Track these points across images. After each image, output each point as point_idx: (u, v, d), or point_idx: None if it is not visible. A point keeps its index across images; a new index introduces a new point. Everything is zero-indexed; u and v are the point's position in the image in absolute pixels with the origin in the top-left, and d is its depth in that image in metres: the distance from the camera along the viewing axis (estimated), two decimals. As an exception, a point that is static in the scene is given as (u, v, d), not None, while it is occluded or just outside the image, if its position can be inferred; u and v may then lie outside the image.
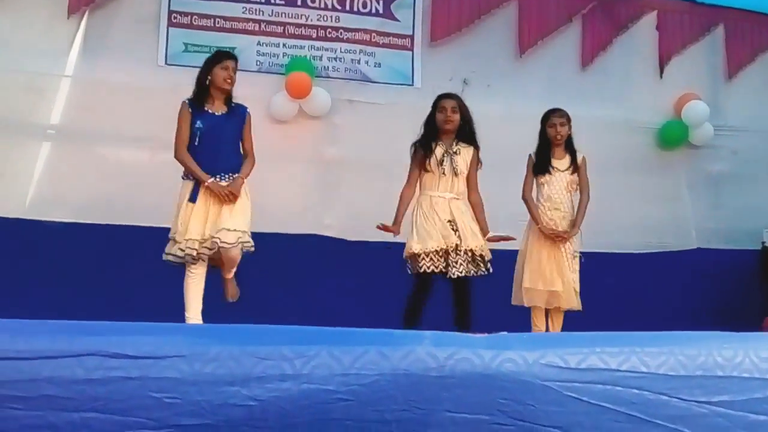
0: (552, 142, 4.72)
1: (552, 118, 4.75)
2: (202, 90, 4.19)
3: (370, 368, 1.88)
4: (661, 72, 6.83)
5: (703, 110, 6.61)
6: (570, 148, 4.78)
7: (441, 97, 4.50)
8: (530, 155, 4.81)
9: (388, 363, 1.90)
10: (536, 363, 2.04)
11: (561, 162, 4.72)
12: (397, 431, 1.86)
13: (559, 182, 4.68)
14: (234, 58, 4.28)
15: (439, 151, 4.34)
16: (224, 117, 4.20)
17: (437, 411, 1.92)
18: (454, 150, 4.34)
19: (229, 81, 4.17)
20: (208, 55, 5.97)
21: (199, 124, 4.12)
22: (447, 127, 4.37)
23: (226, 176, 4.13)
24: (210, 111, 4.17)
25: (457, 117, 4.37)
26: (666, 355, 2.18)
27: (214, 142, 4.13)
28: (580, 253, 4.82)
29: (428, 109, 6.23)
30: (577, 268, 4.74)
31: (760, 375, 2.24)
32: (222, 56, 4.27)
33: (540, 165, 4.70)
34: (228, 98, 4.24)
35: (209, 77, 4.18)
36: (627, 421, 2.11)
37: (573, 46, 6.70)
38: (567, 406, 2.04)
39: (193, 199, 4.09)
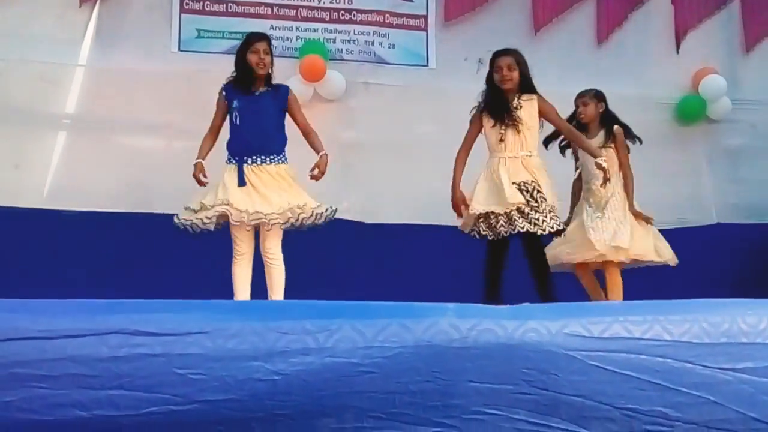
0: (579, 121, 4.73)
1: (576, 99, 4.80)
2: (241, 74, 4.19)
3: (392, 341, 1.88)
4: (678, 47, 6.74)
5: (720, 84, 6.53)
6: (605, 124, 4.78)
7: (496, 55, 4.35)
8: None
9: (410, 335, 1.90)
10: (559, 332, 2.03)
11: (595, 140, 4.75)
12: (422, 402, 1.87)
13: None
14: (264, 38, 4.24)
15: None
16: (261, 96, 4.18)
17: (461, 381, 1.92)
18: (515, 105, 4.21)
19: (261, 65, 4.13)
20: (221, 40, 6.09)
21: (235, 104, 4.12)
22: (506, 86, 4.24)
23: (267, 157, 4.09)
24: (250, 91, 4.16)
25: (515, 74, 4.24)
26: (689, 323, 2.17)
27: (251, 122, 4.09)
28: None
29: (443, 90, 6.27)
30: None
31: (785, 342, 2.22)
32: (251, 39, 4.23)
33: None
34: (268, 78, 4.21)
35: (244, 63, 4.17)
36: (651, 389, 2.10)
37: (588, 23, 6.63)
38: (590, 375, 2.04)
39: (241, 182, 4.02)
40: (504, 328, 1.98)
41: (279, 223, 4.04)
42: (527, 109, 4.26)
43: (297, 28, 6.24)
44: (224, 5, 6.12)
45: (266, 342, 1.84)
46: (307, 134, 4.28)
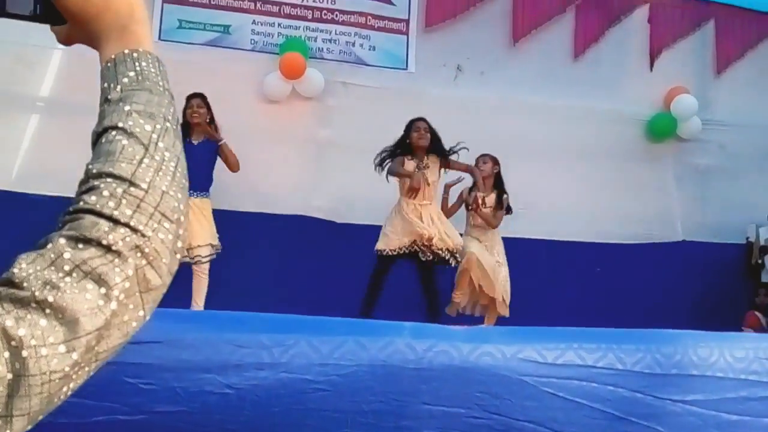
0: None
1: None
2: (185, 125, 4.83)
3: (348, 358, 1.89)
4: (652, 65, 6.86)
5: (691, 104, 6.64)
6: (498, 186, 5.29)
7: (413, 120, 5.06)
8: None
9: (366, 354, 1.90)
10: (514, 357, 2.05)
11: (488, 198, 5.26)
12: (374, 422, 1.87)
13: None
14: (196, 96, 4.94)
15: (411, 165, 4.93)
16: (199, 146, 4.88)
17: (414, 403, 1.93)
18: (425, 164, 4.93)
19: (195, 115, 4.85)
20: (202, 32, 6.05)
21: None
22: (422, 143, 4.93)
23: (194, 194, 4.70)
24: (188, 140, 4.83)
25: (429, 135, 4.95)
26: (643, 353, 2.20)
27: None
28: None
29: (421, 94, 6.30)
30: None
31: (734, 375, 2.26)
32: (187, 99, 4.92)
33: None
34: (203, 129, 4.90)
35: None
36: (602, 417, 2.13)
37: (566, 37, 6.71)
38: (543, 401, 2.06)
39: None
40: (459, 350, 2.00)
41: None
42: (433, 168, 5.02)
43: (279, 24, 6.22)
44: (207, -4, 6.08)
45: (220, 354, 1.82)
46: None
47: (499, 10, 6.58)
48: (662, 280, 6.45)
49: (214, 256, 4.86)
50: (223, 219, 5.68)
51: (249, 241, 5.66)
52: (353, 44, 6.33)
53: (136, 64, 0.79)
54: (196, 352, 1.80)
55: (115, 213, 0.67)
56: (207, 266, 4.81)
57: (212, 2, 6.08)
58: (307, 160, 6.22)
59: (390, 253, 4.81)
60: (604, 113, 6.63)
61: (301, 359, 1.85)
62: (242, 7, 6.13)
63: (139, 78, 0.78)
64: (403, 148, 5.01)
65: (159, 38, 5.92)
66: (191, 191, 4.65)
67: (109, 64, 0.79)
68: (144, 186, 0.69)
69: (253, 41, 6.14)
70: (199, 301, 4.75)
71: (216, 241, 4.87)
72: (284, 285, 5.60)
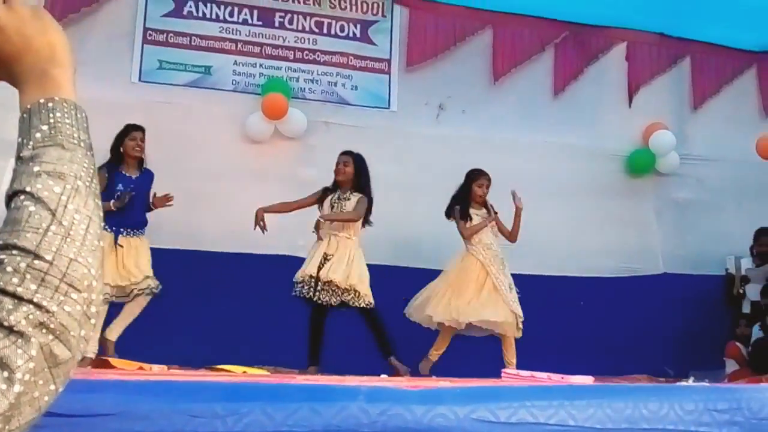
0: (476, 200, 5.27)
1: (480, 178, 5.29)
2: (118, 156, 4.94)
3: (302, 425, 1.94)
4: (630, 101, 6.98)
5: (669, 139, 6.75)
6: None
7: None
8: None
9: (320, 419, 1.96)
10: (467, 418, 2.11)
11: (480, 212, 5.30)
12: (328, 487, 1.93)
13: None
14: (141, 129, 4.98)
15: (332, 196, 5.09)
16: (138, 180, 4.94)
17: (369, 466, 1.99)
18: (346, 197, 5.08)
19: (138, 149, 4.92)
20: (182, 72, 6.14)
21: (120, 186, 4.83)
22: (339, 178, 5.13)
23: (132, 231, 4.85)
24: (126, 174, 4.91)
25: (349, 170, 5.10)
26: (594, 408, 2.25)
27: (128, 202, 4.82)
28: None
29: (403, 132, 6.40)
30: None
31: (684, 427, 2.32)
32: (130, 129, 4.97)
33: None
34: (140, 162, 4.98)
35: (121, 147, 4.92)
36: (555, 474, 2.19)
37: (546, 75, 6.83)
38: (496, 460, 2.12)
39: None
40: (413, 412, 2.05)
41: None
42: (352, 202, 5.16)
43: (260, 65, 6.32)
44: (188, 38, 6.17)
45: (174, 425, 1.87)
46: None
47: (480, 49, 6.70)
48: (644, 312, 6.52)
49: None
50: (205, 260, 5.74)
51: (234, 282, 5.71)
52: (335, 84, 6.44)
53: (50, 115, 0.76)
54: (151, 423, 1.84)
55: (19, 290, 0.65)
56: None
57: (193, 43, 6.17)
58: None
59: None
60: (584, 149, 6.73)
61: (255, 427, 1.90)
62: (223, 48, 6.23)
63: (52, 132, 0.75)
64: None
65: (139, 79, 6.01)
66: (131, 228, 4.83)
67: (24, 115, 0.76)
68: (49, 257, 0.67)
69: (234, 82, 6.24)
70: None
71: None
72: (269, 326, 5.65)
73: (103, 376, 2.59)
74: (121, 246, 4.74)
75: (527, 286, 6.30)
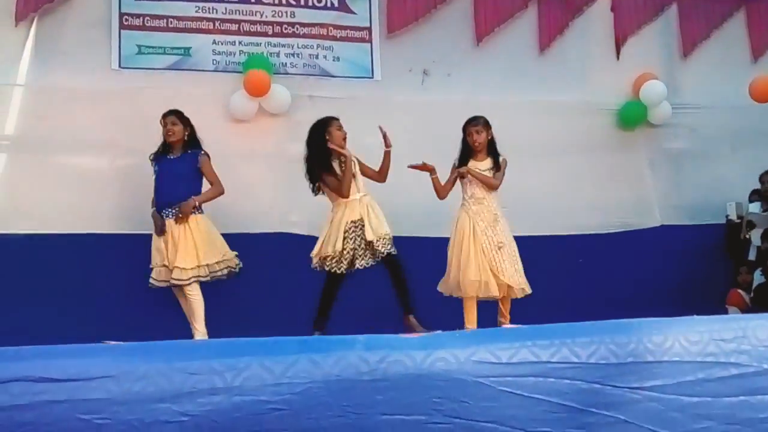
0: (473, 148, 4.86)
1: (467, 127, 4.89)
2: (164, 143, 4.90)
3: (301, 376, 1.91)
4: (618, 53, 6.89)
5: (660, 90, 6.67)
6: (492, 152, 4.89)
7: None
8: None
9: (319, 370, 1.92)
10: (468, 360, 2.07)
11: (482, 164, 4.87)
12: (332, 437, 1.90)
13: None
14: (170, 113, 4.91)
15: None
16: (177, 160, 4.85)
17: (372, 414, 1.95)
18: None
19: (169, 134, 4.84)
20: (162, 56, 6.05)
21: (156, 168, 4.85)
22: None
23: (175, 209, 4.73)
24: (169, 157, 4.87)
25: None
26: (596, 345, 2.22)
27: (166, 181, 4.79)
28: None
29: (389, 101, 6.32)
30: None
31: (690, 358, 2.29)
32: (162, 117, 4.92)
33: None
34: (184, 144, 4.89)
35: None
36: (562, 411, 2.16)
37: (530, 32, 6.73)
38: (501, 401, 2.08)
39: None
40: (413, 358, 2.02)
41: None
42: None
43: (240, 42, 6.22)
44: (165, 20, 6.06)
45: (173, 383, 1.84)
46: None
47: (461, 11, 6.60)
48: (644, 266, 6.49)
49: (206, 278, 4.77)
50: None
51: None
52: (317, 56, 6.34)
53: None
54: (149, 383, 1.82)
55: None
56: (193, 288, 4.72)
57: (170, 25, 6.06)
58: (280, 176, 6.20)
59: None
60: (574, 105, 6.66)
61: (255, 381, 1.87)
62: (201, 28, 6.12)
63: None
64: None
65: (119, 66, 5.92)
66: (171, 210, 4.70)
67: None
68: None
69: (215, 61, 6.14)
70: (196, 325, 4.70)
71: (204, 261, 4.74)
72: (268, 303, 5.62)
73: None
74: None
75: (523, 247, 6.26)
